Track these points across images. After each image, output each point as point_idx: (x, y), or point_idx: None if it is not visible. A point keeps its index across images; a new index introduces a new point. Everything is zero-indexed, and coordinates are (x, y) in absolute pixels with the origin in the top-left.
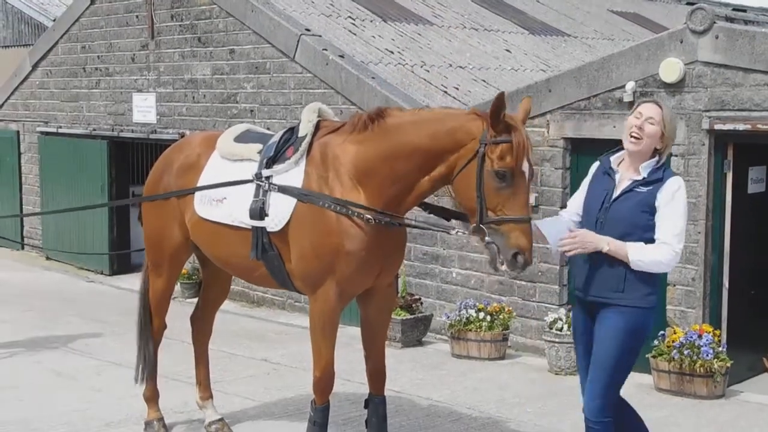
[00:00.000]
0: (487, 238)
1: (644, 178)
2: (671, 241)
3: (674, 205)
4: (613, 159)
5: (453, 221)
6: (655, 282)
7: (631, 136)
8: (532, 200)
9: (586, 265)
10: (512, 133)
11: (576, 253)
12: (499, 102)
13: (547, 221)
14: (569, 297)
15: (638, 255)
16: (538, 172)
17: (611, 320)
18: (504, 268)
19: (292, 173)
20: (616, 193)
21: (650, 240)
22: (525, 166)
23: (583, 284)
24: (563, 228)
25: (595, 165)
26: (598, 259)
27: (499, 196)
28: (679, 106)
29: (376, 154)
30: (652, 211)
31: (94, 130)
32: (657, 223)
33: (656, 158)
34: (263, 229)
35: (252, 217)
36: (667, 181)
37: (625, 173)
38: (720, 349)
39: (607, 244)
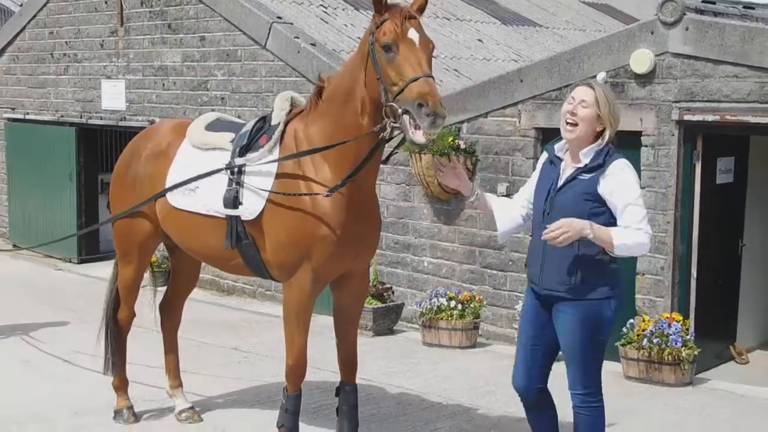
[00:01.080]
0: (399, 111)
1: (586, 165)
2: (642, 226)
3: (628, 189)
4: (558, 147)
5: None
6: (608, 273)
7: (567, 123)
8: (503, 189)
9: (539, 258)
10: (391, 11)
11: (561, 242)
12: None
13: (499, 204)
14: None
15: (622, 239)
16: (506, 156)
17: (567, 314)
18: (419, 135)
19: (266, 160)
20: (560, 182)
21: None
22: (410, 33)
23: (537, 277)
24: (515, 216)
25: (544, 155)
26: (552, 253)
27: (393, 68)
28: (649, 96)
29: (333, 121)
30: (596, 198)
31: (62, 116)
32: (618, 211)
33: (598, 142)
34: (237, 218)
35: (226, 206)
36: (609, 166)
37: (569, 161)
38: (688, 337)
39: (590, 228)
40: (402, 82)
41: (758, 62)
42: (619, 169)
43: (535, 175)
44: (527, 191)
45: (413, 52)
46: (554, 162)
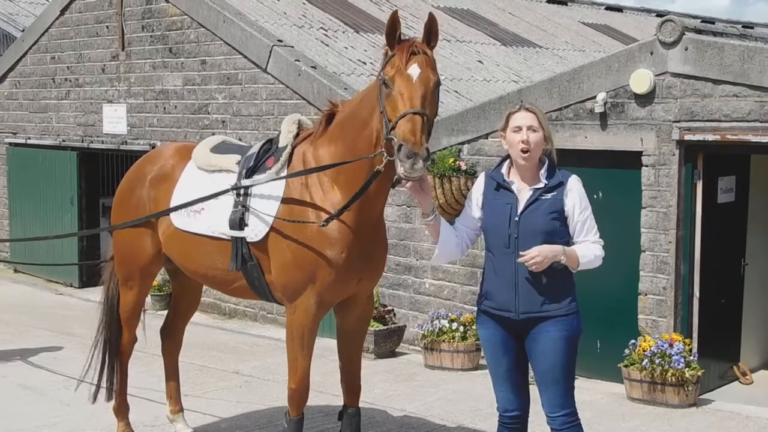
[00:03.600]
0: (394, 147)
1: (546, 185)
2: (598, 238)
3: (586, 205)
4: (504, 171)
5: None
6: (573, 286)
7: (522, 153)
8: None
9: (511, 285)
10: (398, 46)
11: (536, 269)
12: (391, 21)
13: (446, 230)
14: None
15: (587, 254)
16: None
17: (551, 332)
18: (399, 170)
19: (273, 184)
20: (521, 205)
21: (565, 244)
22: (411, 69)
23: (510, 302)
24: (458, 244)
25: (481, 181)
26: (525, 277)
27: (389, 102)
28: (649, 116)
29: (342, 148)
30: (561, 215)
31: (64, 141)
32: (578, 226)
33: (546, 162)
34: (243, 239)
35: (232, 227)
36: (568, 182)
37: (521, 184)
38: (691, 358)
39: (563, 254)
40: (395, 118)
41: (758, 81)
42: (578, 184)
43: (477, 200)
44: (469, 218)
45: (408, 87)
46: (505, 186)
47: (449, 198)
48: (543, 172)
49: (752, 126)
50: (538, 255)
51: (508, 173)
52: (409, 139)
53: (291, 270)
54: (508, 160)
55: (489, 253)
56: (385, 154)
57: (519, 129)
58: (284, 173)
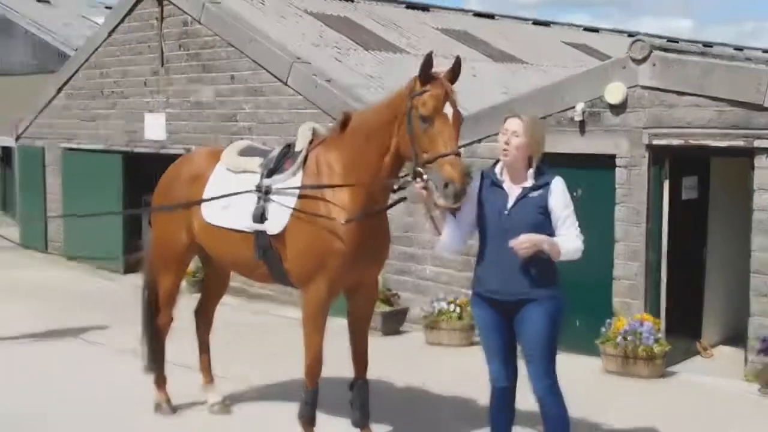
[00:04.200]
0: (425, 176)
1: (534, 184)
2: (578, 233)
3: (568, 204)
4: (497, 171)
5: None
6: (556, 273)
7: (503, 151)
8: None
9: (500, 270)
10: (433, 83)
11: (523, 254)
12: (426, 60)
13: (452, 224)
14: None
15: (567, 246)
16: None
17: (537, 312)
18: (441, 201)
19: (290, 182)
20: (511, 202)
21: (550, 236)
22: (447, 109)
23: (500, 286)
24: (461, 234)
25: (477, 179)
26: (514, 264)
27: (426, 137)
28: (622, 124)
29: (352, 151)
30: (545, 211)
31: (111, 146)
32: (560, 222)
33: (533, 166)
34: (264, 232)
35: (254, 221)
36: (552, 182)
37: (511, 183)
38: (659, 335)
39: (547, 243)
40: (431, 153)
41: (716, 93)
42: (561, 185)
43: (474, 197)
44: (468, 214)
45: (446, 126)
46: (497, 185)
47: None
48: (531, 173)
49: (711, 132)
50: (526, 241)
51: (501, 173)
52: (456, 179)
53: (305, 259)
54: (499, 163)
55: (482, 243)
56: (415, 185)
57: (505, 132)
58: (300, 173)
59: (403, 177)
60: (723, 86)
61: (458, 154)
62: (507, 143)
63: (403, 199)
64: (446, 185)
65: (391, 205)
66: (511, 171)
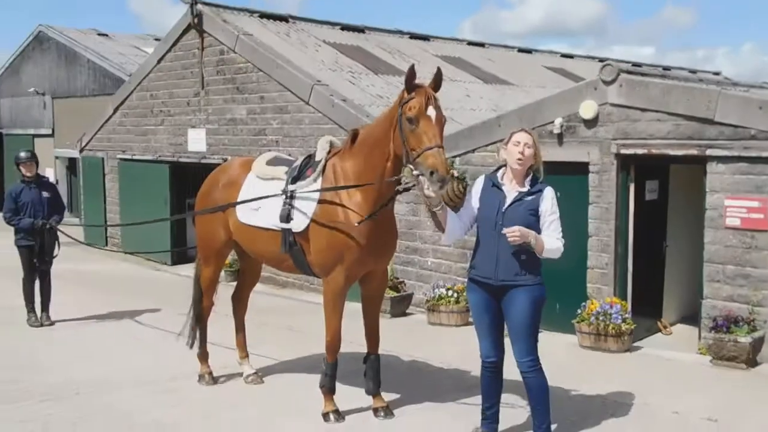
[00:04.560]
0: (414, 172)
1: (528, 190)
2: (561, 236)
3: (555, 210)
4: (499, 176)
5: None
6: (539, 264)
7: (518, 160)
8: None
9: (493, 258)
10: (417, 91)
11: (513, 242)
12: (409, 73)
13: (453, 217)
14: None
15: (550, 245)
16: None
17: (521, 297)
18: (428, 191)
19: (311, 188)
20: (508, 202)
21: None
22: (430, 112)
23: (491, 272)
24: (460, 226)
25: (480, 181)
26: (506, 254)
27: (413, 136)
28: (594, 136)
29: (361, 161)
30: (536, 213)
31: (159, 156)
32: (546, 224)
33: (531, 174)
34: (289, 230)
35: (281, 221)
36: (545, 191)
37: (510, 186)
38: (626, 315)
39: (534, 238)
40: (419, 149)
41: (674, 110)
42: (552, 194)
43: (476, 195)
44: (470, 209)
45: (430, 126)
46: (498, 186)
47: (445, 197)
48: (528, 180)
49: (670, 143)
50: (517, 231)
51: (502, 177)
52: (439, 168)
53: (325, 253)
54: (503, 168)
55: (479, 235)
56: (413, 171)
57: (518, 143)
58: (320, 180)
59: (399, 177)
60: (680, 104)
61: (441, 147)
62: (522, 153)
63: (399, 192)
64: (431, 173)
65: (391, 199)
66: (514, 175)
